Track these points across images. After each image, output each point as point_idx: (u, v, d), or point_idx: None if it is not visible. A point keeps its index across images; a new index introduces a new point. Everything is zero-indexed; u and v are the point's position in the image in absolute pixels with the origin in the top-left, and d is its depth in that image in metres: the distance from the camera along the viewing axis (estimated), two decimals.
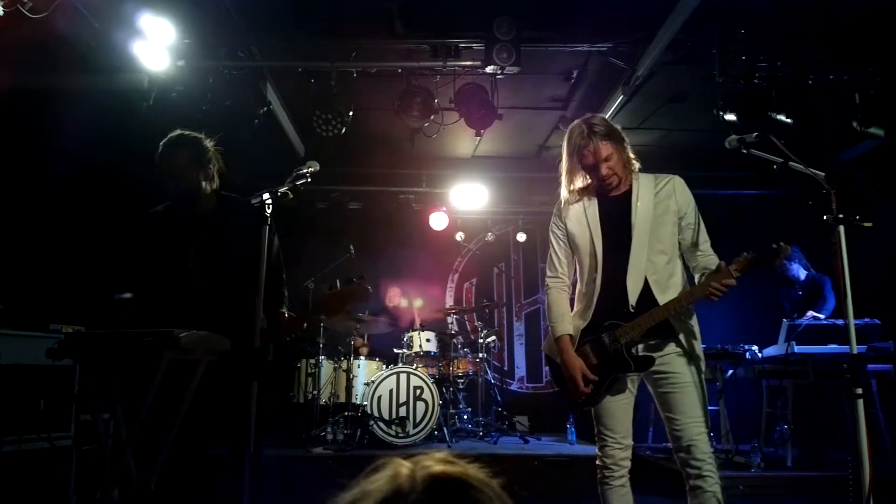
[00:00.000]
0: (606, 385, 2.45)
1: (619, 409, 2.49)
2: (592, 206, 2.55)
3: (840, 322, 5.18)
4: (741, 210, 7.49)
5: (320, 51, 4.81)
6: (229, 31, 4.69)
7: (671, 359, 2.42)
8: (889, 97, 4.59)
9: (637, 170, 2.54)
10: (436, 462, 0.76)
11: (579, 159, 2.47)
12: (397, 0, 4.40)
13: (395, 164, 7.38)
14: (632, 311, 2.40)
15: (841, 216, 2.16)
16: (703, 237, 2.51)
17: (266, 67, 5.02)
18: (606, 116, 5.53)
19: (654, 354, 2.43)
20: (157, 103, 4.73)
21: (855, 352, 2.11)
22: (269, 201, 2.52)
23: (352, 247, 6.38)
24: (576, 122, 2.55)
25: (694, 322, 2.51)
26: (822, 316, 5.44)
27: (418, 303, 7.65)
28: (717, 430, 5.94)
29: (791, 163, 2.32)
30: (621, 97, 5.10)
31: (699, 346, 2.48)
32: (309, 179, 2.89)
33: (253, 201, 2.52)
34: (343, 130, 4.94)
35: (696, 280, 2.47)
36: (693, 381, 2.41)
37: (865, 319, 5.11)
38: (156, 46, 4.34)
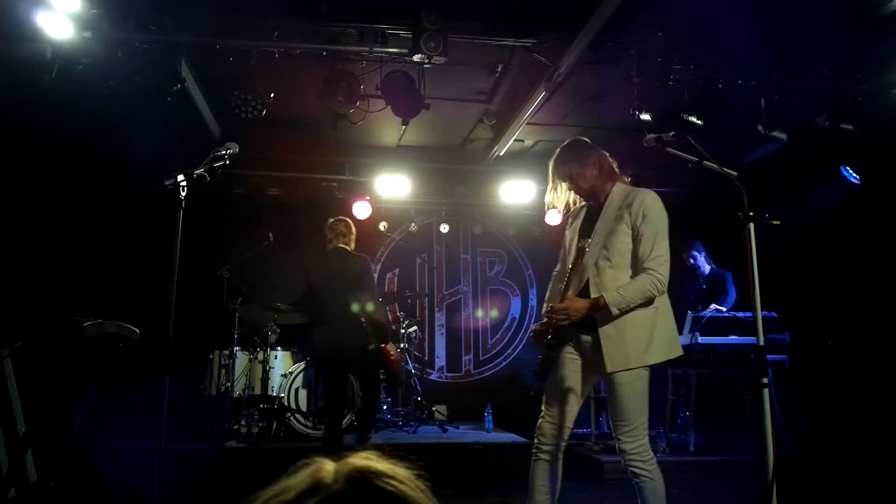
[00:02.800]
0: (548, 359, 2.78)
1: (558, 388, 2.77)
2: (583, 212, 2.92)
3: (740, 315, 5.52)
4: None
5: (240, 28, 4.60)
6: (141, 2, 4.41)
7: (596, 352, 2.64)
8: (792, 103, 4.91)
9: (624, 180, 2.84)
10: (360, 458, 0.75)
11: (555, 178, 2.86)
12: None
13: (317, 150, 7.21)
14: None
15: (752, 214, 2.28)
16: (653, 255, 2.60)
17: (181, 43, 4.76)
18: (529, 111, 5.69)
19: (584, 344, 2.71)
20: (61, 76, 4.39)
21: (762, 343, 2.24)
22: (184, 183, 2.39)
23: (271, 234, 6.19)
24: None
25: (624, 318, 2.61)
26: (724, 309, 5.77)
27: None
28: None
29: (705, 162, 2.43)
30: (543, 93, 5.19)
31: (629, 338, 2.60)
32: (227, 161, 2.78)
33: (166, 183, 2.38)
34: (263, 112, 4.76)
35: None
36: (621, 382, 2.61)
37: (763, 312, 5.44)
38: (60, 15, 4.03)
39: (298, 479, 0.72)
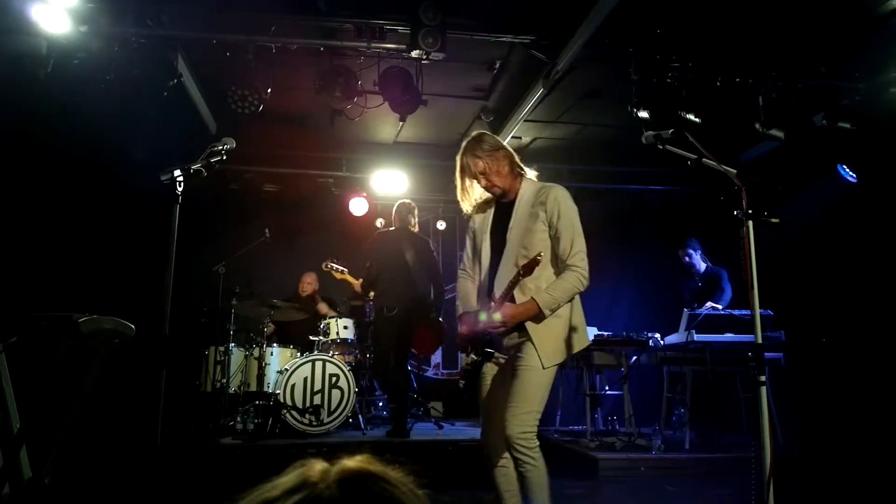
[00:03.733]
0: (477, 365, 2.69)
1: (496, 396, 2.67)
2: (490, 212, 2.82)
3: (736, 312, 5.53)
4: (647, 205, 7.85)
5: (237, 23, 4.58)
6: None
7: (520, 350, 2.61)
8: (789, 101, 4.91)
9: (531, 177, 2.77)
10: (353, 460, 0.74)
11: (464, 174, 2.75)
12: None
13: (314, 146, 7.18)
14: (492, 305, 2.62)
15: (750, 212, 2.28)
16: (573, 251, 2.60)
17: (178, 38, 4.73)
18: (527, 108, 5.68)
19: (508, 345, 2.67)
20: (57, 71, 4.37)
21: (760, 341, 2.24)
22: (181, 178, 2.38)
23: (267, 230, 6.17)
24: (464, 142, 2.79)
25: (551, 319, 2.61)
26: (719, 306, 5.78)
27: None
28: (621, 414, 6.22)
29: (704, 159, 2.42)
30: (541, 90, 5.18)
31: (556, 333, 2.62)
32: (224, 157, 2.76)
33: (163, 178, 2.37)
34: (260, 108, 4.74)
35: None
36: (527, 366, 2.56)
37: (759, 310, 5.46)
38: (56, 9, 4.00)
39: (286, 478, 0.71)
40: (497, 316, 2.55)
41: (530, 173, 2.79)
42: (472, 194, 2.83)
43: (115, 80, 4.48)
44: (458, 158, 2.76)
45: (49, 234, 5.88)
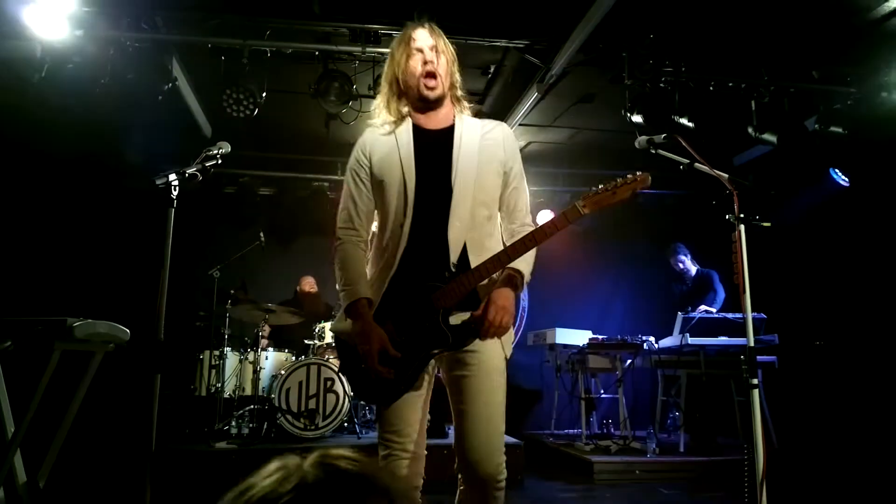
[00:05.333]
0: (414, 369, 1.95)
1: (410, 405, 1.97)
2: (406, 137, 2.03)
3: (730, 316, 5.56)
4: (641, 208, 7.88)
5: (232, 27, 4.59)
6: (133, 1, 4.39)
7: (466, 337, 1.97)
8: (781, 106, 4.95)
9: (464, 112, 2.14)
10: (329, 449, 0.79)
11: (408, 43, 2.03)
12: None
13: (309, 150, 7.19)
14: (453, 269, 1.93)
15: (742, 216, 2.30)
16: (524, 205, 2.10)
17: (172, 41, 4.74)
18: (521, 112, 5.70)
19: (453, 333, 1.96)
20: (51, 74, 4.37)
21: (752, 344, 2.25)
22: (176, 182, 2.38)
23: (261, 234, 6.16)
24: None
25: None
26: (713, 310, 5.80)
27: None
28: (616, 417, 6.24)
29: (696, 164, 2.44)
30: (536, 94, 5.21)
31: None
32: (219, 161, 2.77)
33: (158, 182, 2.37)
34: (255, 112, 4.75)
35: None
36: (495, 366, 1.99)
37: (752, 314, 5.49)
38: (52, 13, 4.00)
39: (269, 471, 0.75)
40: (501, 302, 1.91)
41: (465, 106, 2.15)
42: (394, 104, 2.07)
43: (111, 84, 4.47)
44: (400, 38, 2.07)
45: (43, 237, 5.87)
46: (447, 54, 2.04)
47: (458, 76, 2.10)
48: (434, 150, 2.01)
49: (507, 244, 1.98)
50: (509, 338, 2.03)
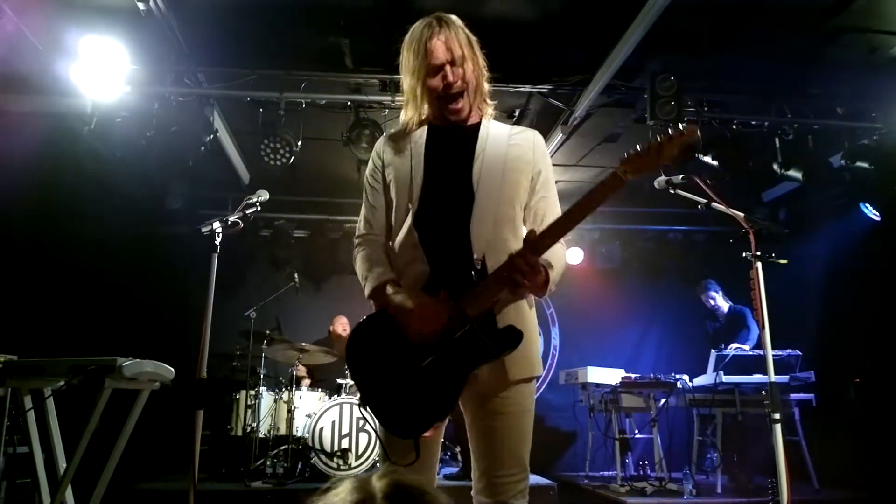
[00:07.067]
0: (452, 391, 1.73)
1: (433, 440, 1.80)
2: (421, 133, 1.93)
3: (764, 353, 5.48)
4: (670, 245, 7.86)
5: (269, 80, 4.85)
6: (177, 59, 4.69)
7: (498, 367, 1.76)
8: (806, 142, 4.98)
9: (490, 114, 2.00)
10: (391, 473, 0.82)
11: (424, 57, 1.81)
12: (348, 36, 4.51)
13: (341, 193, 7.41)
14: (478, 266, 1.74)
15: (759, 253, 2.35)
16: (554, 217, 1.83)
17: (214, 95, 5.02)
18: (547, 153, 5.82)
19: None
20: (100, 128, 4.67)
21: (773, 379, 2.27)
22: (219, 230, 2.54)
23: (296, 275, 6.34)
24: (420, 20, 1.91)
25: (530, 312, 1.90)
26: (746, 347, 5.73)
27: None
28: (651, 458, 6.13)
29: (714, 203, 2.51)
30: (560, 136, 5.34)
31: (530, 337, 1.84)
32: (258, 208, 2.93)
33: (203, 230, 2.53)
34: (291, 160, 4.97)
35: None
36: (527, 409, 1.84)
37: (788, 350, 5.41)
38: (103, 73, 4.29)
39: (344, 493, 0.79)
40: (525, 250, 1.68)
41: (490, 107, 1.99)
42: (421, 106, 1.89)
43: (156, 136, 4.74)
44: (418, 33, 1.85)
45: (94, 280, 6.13)
46: (468, 58, 1.85)
47: (483, 80, 1.92)
48: (453, 144, 1.89)
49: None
50: (536, 355, 1.87)
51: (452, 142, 1.89)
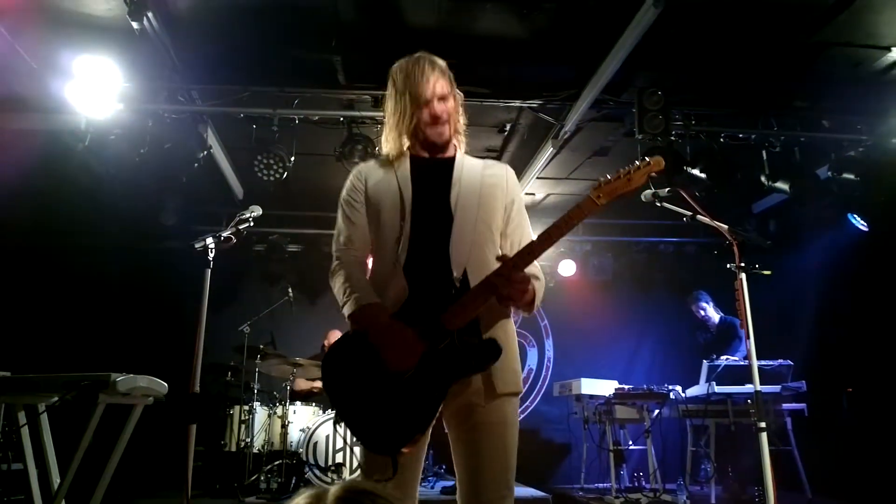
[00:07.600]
0: (431, 407, 1.75)
1: (417, 452, 1.84)
2: (404, 162, 2.02)
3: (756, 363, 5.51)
4: (662, 256, 7.92)
5: (262, 97, 4.90)
6: (170, 76, 4.73)
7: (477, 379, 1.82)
8: (793, 154, 5.06)
9: (463, 150, 2.11)
10: (350, 481, 0.86)
11: (415, 89, 1.93)
12: (340, 53, 4.57)
13: (334, 208, 7.39)
14: (457, 284, 1.84)
15: (742, 264, 2.39)
16: (528, 241, 1.96)
17: (207, 112, 5.07)
18: (538, 167, 5.89)
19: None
20: (94, 145, 4.70)
21: (759, 388, 2.31)
22: (213, 246, 2.57)
23: (290, 290, 6.36)
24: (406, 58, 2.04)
25: (506, 324, 1.94)
26: (736, 358, 5.77)
27: None
28: (646, 469, 6.14)
29: (698, 216, 2.55)
30: (551, 150, 5.40)
31: (511, 354, 1.89)
32: (251, 224, 2.96)
33: (196, 246, 2.56)
34: (285, 175, 5.01)
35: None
36: (512, 421, 1.86)
37: (779, 360, 5.46)
38: (97, 91, 4.33)
39: (299, 498, 0.83)
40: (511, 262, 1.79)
41: (463, 141, 2.11)
42: (402, 137, 2.01)
43: (150, 153, 4.77)
44: (409, 68, 1.97)
45: (87, 296, 6.14)
46: (451, 97, 1.99)
47: (461, 117, 2.07)
48: (433, 172, 2.01)
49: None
50: (520, 371, 1.93)
51: (433, 169, 2.02)
